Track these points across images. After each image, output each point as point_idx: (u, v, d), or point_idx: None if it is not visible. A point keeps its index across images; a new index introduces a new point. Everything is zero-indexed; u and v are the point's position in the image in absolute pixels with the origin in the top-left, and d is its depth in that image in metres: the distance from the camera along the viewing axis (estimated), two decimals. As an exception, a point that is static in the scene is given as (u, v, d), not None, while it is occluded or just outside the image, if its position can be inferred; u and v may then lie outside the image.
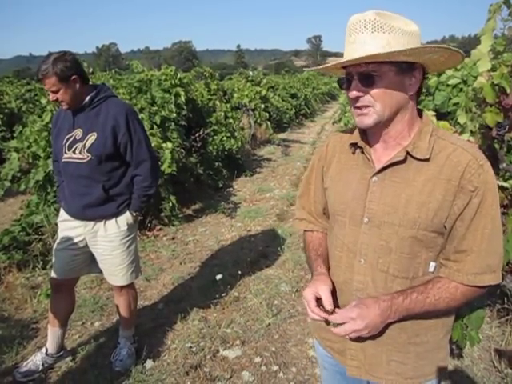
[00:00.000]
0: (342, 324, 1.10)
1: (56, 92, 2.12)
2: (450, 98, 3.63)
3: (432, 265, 1.14)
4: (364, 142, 1.20)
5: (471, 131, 2.33)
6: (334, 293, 1.21)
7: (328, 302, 1.14)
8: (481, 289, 1.12)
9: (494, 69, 2.20)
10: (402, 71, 1.06)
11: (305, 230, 1.46)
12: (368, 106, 1.08)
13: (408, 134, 1.13)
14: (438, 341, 1.21)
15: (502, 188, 2.16)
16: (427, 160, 1.09)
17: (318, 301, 1.16)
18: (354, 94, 1.08)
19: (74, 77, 2.11)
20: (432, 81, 3.82)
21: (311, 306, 1.15)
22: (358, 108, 1.10)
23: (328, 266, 1.30)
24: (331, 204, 1.29)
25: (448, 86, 3.68)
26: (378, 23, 1.02)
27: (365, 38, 1.04)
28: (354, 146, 1.23)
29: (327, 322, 1.14)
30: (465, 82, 3.57)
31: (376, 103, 1.07)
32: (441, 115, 3.36)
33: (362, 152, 1.20)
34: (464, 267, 1.09)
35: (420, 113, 1.18)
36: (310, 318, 1.18)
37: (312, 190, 1.40)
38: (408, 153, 1.10)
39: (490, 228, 1.07)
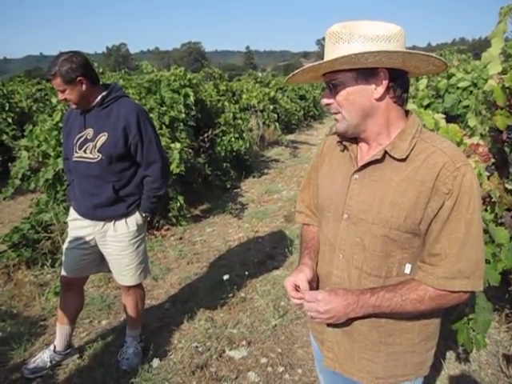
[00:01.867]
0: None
1: (63, 92, 2.14)
2: (460, 101, 3.61)
3: (408, 266, 1.14)
4: (351, 141, 1.23)
5: (481, 134, 2.32)
6: (316, 282, 1.29)
7: (304, 288, 1.20)
8: (453, 294, 1.09)
9: (504, 71, 2.19)
10: (365, 77, 1.07)
11: (303, 224, 1.50)
12: (338, 113, 1.14)
13: (387, 135, 1.14)
14: (412, 345, 1.21)
15: (510, 191, 2.14)
16: (404, 160, 1.10)
17: (298, 288, 1.22)
18: (323, 101, 1.17)
19: (79, 78, 2.11)
20: (442, 83, 3.80)
21: (289, 291, 1.22)
22: (334, 114, 1.16)
23: (316, 258, 1.35)
24: (319, 199, 1.34)
25: (458, 88, 3.66)
26: (338, 35, 1.06)
27: (328, 50, 1.09)
28: (341, 143, 1.26)
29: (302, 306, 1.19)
30: (475, 85, 3.54)
31: (342, 109, 1.12)
32: (450, 118, 3.34)
33: (348, 150, 1.24)
34: (437, 271, 1.08)
35: (408, 114, 1.18)
36: (292, 303, 1.25)
37: (311, 185, 1.44)
38: (386, 152, 1.12)
39: (464, 233, 1.05)
